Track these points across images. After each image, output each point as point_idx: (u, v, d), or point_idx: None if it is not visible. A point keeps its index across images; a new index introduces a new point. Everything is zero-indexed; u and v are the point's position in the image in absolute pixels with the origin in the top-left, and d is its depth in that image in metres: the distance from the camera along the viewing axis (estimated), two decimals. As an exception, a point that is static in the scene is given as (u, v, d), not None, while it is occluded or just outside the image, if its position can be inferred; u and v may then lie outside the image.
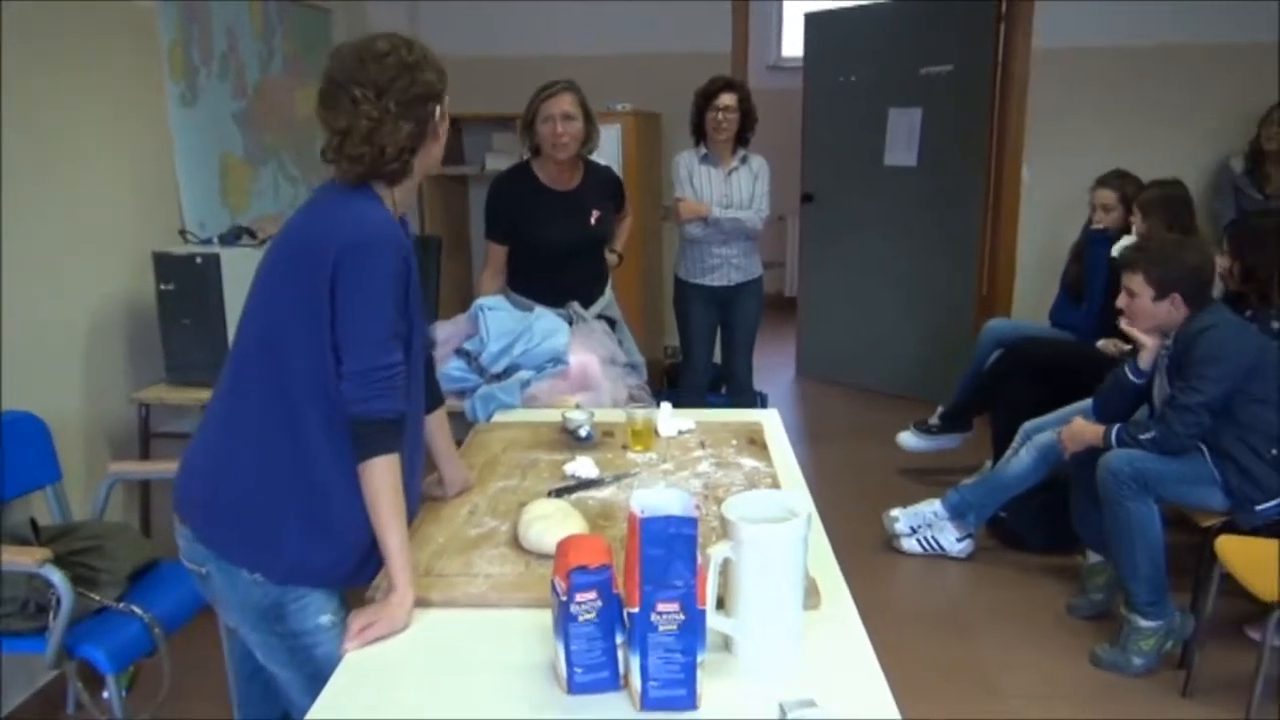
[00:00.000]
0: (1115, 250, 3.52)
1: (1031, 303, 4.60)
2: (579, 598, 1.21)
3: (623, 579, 1.24)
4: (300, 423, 1.48)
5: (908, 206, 5.05)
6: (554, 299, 2.92)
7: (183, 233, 3.21)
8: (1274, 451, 2.56)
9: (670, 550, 1.18)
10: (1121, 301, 2.78)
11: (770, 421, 2.34)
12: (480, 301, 2.58)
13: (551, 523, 1.59)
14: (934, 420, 4.03)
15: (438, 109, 1.55)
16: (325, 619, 1.53)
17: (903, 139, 5.01)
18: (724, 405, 3.99)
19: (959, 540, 3.41)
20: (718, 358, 4.05)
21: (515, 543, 1.64)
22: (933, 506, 3.46)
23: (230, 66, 3.55)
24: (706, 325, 3.90)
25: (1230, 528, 2.64)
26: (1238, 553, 2.46)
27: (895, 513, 3.52)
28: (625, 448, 2.13)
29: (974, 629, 3.01)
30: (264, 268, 1.55)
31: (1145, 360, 2.79)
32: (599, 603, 1.22)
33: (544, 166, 2.98)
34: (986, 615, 3.09)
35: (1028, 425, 3.41)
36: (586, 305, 3.02)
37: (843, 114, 5.27)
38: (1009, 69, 4.68)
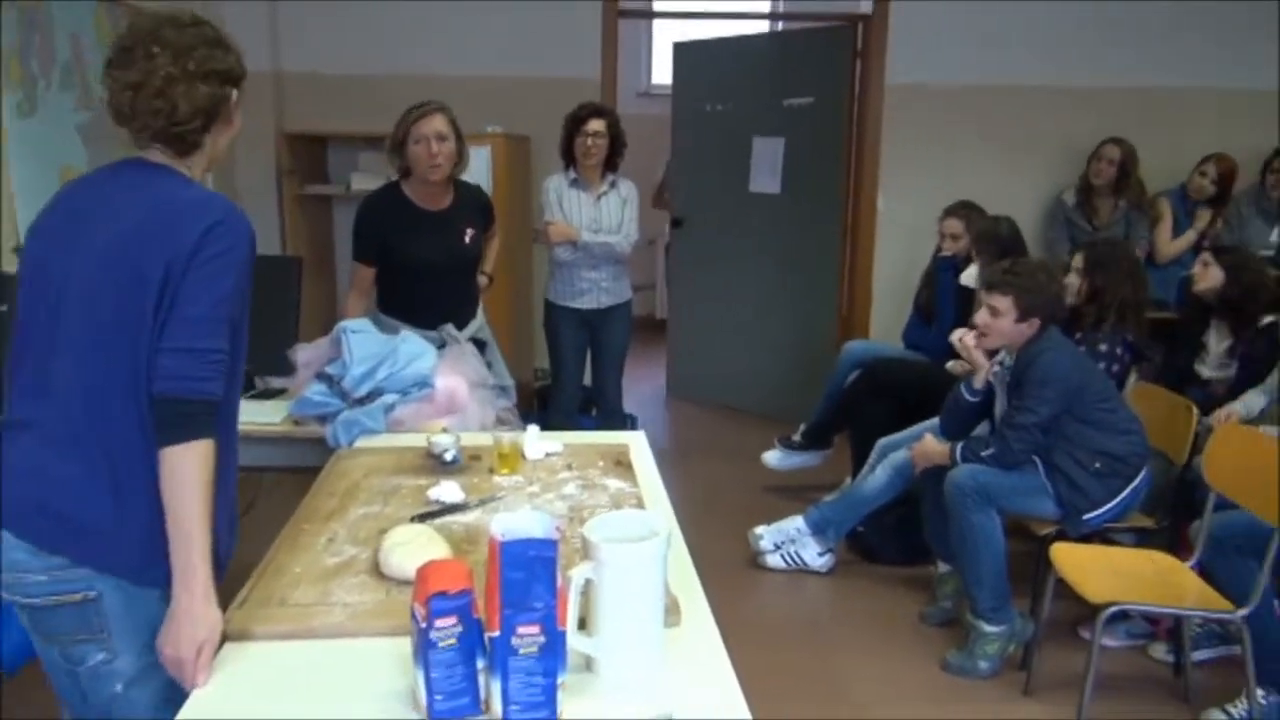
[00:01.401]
0: (964, 278, 3.75)
1: (888, 324, 4.82)
2: (438, 624, 1.20)
3: (484, 603, 1.25)
4: (148, 424, 1.42)
5: (772, 232, 5.22)
6: (428, 321, 2.91)
7: (17, 250, 3.02)
8: (1097, 465, 2.77)
9: (530, 573, 1.19)
10: (981, 319, 2.91)
11: (636, 443, 2.37)
12: (343, 324, 2.52)
13: (413, 548, 1.57)
14: (796, 437, 4.16)
15: (235, 94, 1.55)
16: None
17: (767, 166, 5.19)
18: (594, 427, 4.02)
19: (820, 555, 3.53)
20: (588, 380, 4.08)
21: (376, 570, 1.61)
22: (795, 523, 3.58)
23: (74, 76, 3.38)
24: (576, 348, 3.93)
25: (1063, 536, 2.83)
26: (1069, 559, 2.65)
27: (759, 530, 3.62)
28: (491, 471, 2.13)
29: (833, 640, 3.12)
30: (84, 261, 1.45)
31: (979, 380, 2.98)
32: (459, 628, 1.22)
33: (415, 187, 2.96)
34: (845, 626, 3.21)
35: (883, 442, 3.57)
36: (460, 327, 3.01)
37: (710, 141, 5.42)
38: (865, 102, 4.92)
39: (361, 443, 2.33)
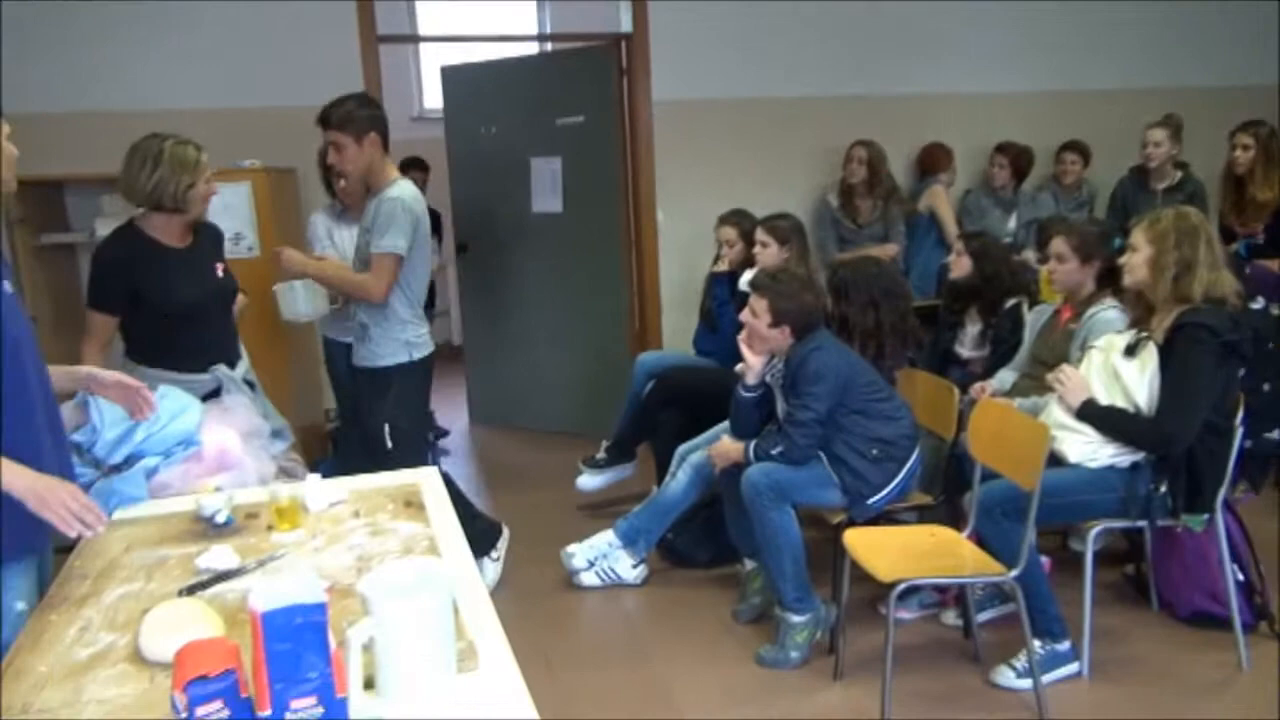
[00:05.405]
0: (742, 282, 3.87)
1: (680, 333, 4.92)
2: (200, 712, 1.10)
3: (253, 681, 1.15)
4: None
5: (559, 251, 5.23)
6: (196, 365, 2.75)
7: None
8: (874, 452, 2.93)
9: (299, 642, 1.11)
10: (745, 316, 3.05)
11: (428, 480, 2.29)
12: (88, 385, 2.29)
13: (177, 626, 1.43)
14: (600, 455, 4.17)
15: None
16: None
17: (547, 186, 5.20)
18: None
19: (634, 567, 3.54)
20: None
21: (138, 656, 1.46)
22: (607, 537, 3.57)
23: None
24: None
25: (854, 522, 2.97)
26: (859, 543, 2.77)
27: (572, 549, 3.58)
28: (270, 529, 1.99)
29: (652, 650, 3.13)
30: None
31: (750, 377, 3.11)
32: (225, 713, 1.11)
33: (162, 226, 2.77)
34: (663, 635, 3.23)
35: (682, 448, 3.63)
36: (231, 367, 2.85)
37: (488, 164, 5.36)
38: (634, 119, 5.01)
39: (120, 514, 2.13)
